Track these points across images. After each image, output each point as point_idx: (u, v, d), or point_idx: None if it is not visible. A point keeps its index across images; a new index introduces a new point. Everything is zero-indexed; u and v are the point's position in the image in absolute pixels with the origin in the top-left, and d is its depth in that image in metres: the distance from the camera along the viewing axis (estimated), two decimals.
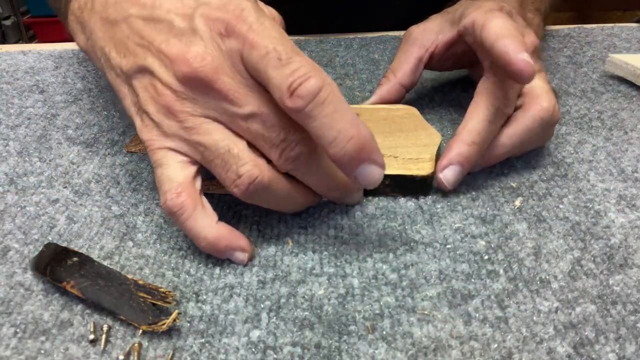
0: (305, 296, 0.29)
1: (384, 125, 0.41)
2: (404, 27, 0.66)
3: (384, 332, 0.27)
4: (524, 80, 0.34)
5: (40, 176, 0.39)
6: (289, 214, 0.35)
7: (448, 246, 0.32)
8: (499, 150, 0.37)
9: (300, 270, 0.31)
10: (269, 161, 0.31)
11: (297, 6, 0.68)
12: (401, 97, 0.46)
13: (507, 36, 0.35)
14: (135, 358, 0.26)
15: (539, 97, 0.37)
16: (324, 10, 0.68)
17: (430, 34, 0.45)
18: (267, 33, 0.28)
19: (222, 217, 0.35)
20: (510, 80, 0.36)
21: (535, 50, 0.39)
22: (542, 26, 0.50)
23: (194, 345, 0.26)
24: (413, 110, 0.43)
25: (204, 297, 0.29)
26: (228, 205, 0.36)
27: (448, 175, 0.35)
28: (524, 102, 0.38)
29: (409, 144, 0.39)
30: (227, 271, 0.31)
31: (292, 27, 0.66)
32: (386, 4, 0.69)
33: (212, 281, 0.30)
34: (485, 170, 0.39)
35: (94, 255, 0.32)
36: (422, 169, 0.36)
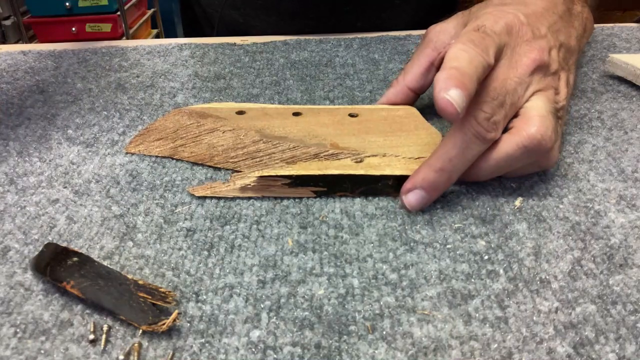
0: (305, 296, 0.29)
1: (385, 125, 0.41)
2: (403, 27, 0.67)
3: (384, 332, 0.27)
4: (449, 119, 0.31)
5: (40, 176, 0.39)
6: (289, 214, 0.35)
7: (448, 246, 0.32)
8: (478, 174, 0.36)
9: (300, 270, 0.31)
10: None
11: (297, 6, 0.68)
12: (410, 101, 0.44)
13: (444, 68, 0.32)
14: (135, 358, 0.26)
15: (529, 120, 0.34)
16: (324, 10, 0.68)
17: (445, 36, 0.43)
18: None
19: (221, 216, 0.35)
20: None
21: (542, 67, 0.36)
22: (590, 19, 0.46)
23: (194, 345, 0.26)
24: (413, 110, 0.43)
25: (204, 297, 0.29)
26: (228, 204, 0.36)
27: (411, 199, 0.35)
28: (515, 124, 0.35)
29: (410, 143, 0.39)
30: (227, 271, 0.31)
31: (292, 27, 0.67)
32: (386, 4, 0.69)
33: (212, 281, 0.30)
34: None
35: (94, 255, 0.32)
36: None
